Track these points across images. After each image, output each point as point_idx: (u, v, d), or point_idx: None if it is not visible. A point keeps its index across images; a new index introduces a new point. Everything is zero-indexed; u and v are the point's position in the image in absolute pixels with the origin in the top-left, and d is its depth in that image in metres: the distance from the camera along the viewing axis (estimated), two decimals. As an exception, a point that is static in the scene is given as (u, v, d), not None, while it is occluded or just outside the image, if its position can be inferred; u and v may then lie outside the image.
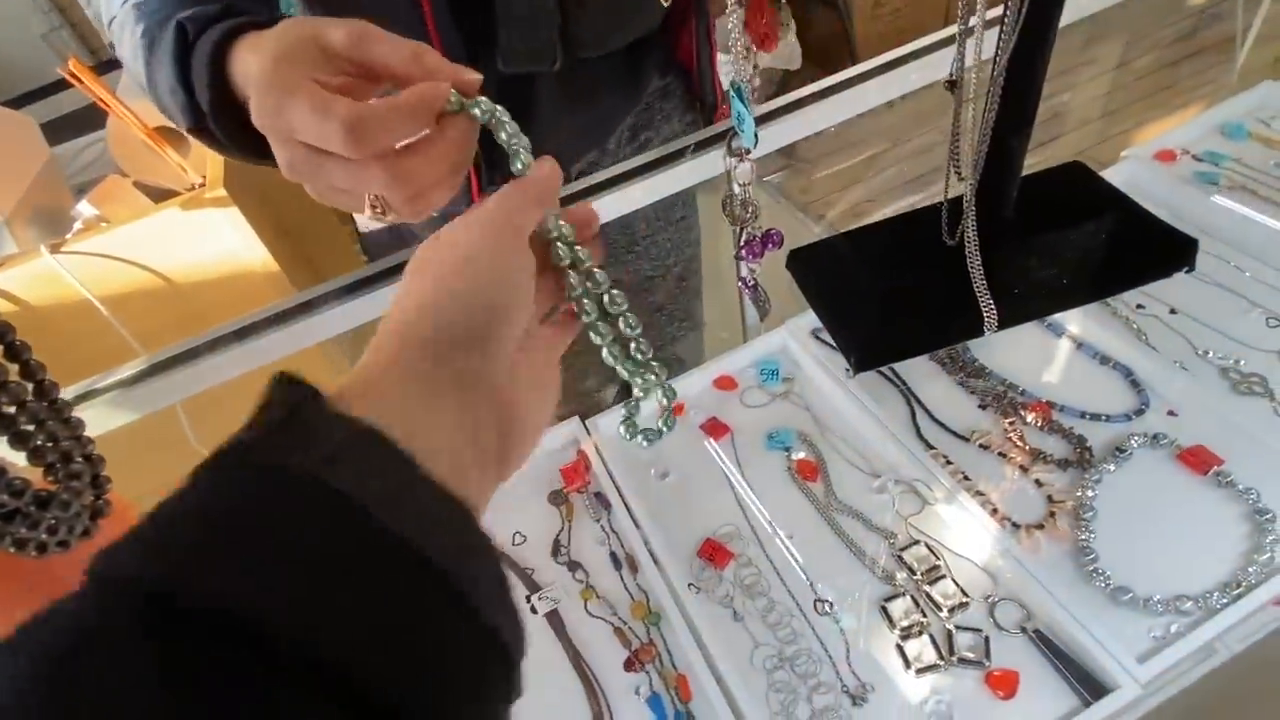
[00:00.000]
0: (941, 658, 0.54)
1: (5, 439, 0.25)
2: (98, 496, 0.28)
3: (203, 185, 0.83)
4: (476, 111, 0.34)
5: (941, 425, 0.68)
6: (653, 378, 0.35)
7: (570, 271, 0.35)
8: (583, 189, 0.64)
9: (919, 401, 0.71)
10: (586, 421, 0.75)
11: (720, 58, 0.82)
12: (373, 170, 0.33)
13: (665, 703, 0.56)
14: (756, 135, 0.38)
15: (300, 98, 0.32)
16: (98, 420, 0.61)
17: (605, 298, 0.34)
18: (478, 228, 0.31)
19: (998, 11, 0.34)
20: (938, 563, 0.59)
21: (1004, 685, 0.52)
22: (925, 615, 0.57)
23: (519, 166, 0.34)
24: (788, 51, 2.18)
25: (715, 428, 0.74)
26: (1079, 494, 0.61)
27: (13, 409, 0.24)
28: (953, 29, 0.40)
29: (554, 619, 0.63)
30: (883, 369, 0.74)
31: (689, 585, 0.62)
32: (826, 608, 0.59)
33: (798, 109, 0.68)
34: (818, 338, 0.78)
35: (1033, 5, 0.33)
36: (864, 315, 0.43)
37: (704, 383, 0.78)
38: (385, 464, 0.22)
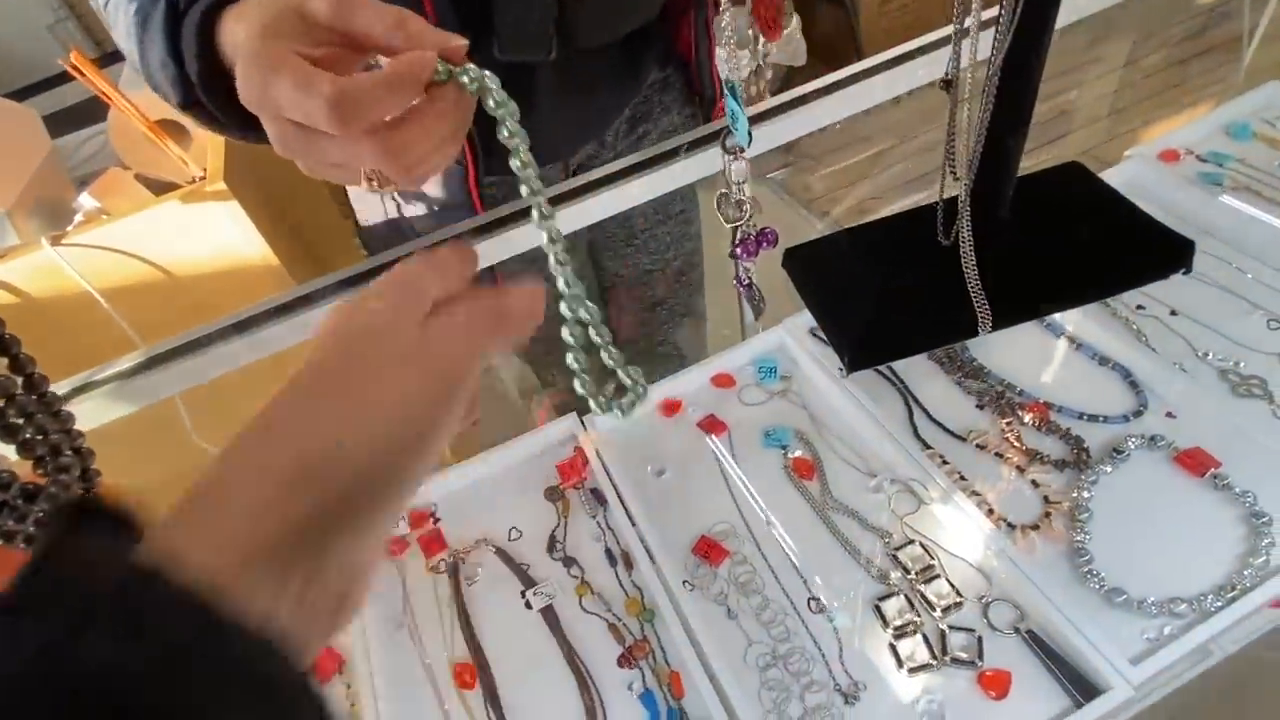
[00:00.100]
0: (934, 657, 0.54)
1: (-6, 432, 0.25)
2: (87, 490, 0.29)
3: (203, 178, 0.83)
4: (465, 79, 0.33)
5: (939, 425, 0.68)
6: (628, 381, 0.36)
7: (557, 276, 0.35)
8: (581, 185, 0.64)
9: (916, 401, 0.70)
10: (584, 418, 0.75)
11: (719, 53, 0.81)
12: (364, 145, 0.32)
13: (658, 699, 0.56)
14: (750, 133, 0.38)
15: (284, 74, 0.31)
16: (96, 412, 0.61)
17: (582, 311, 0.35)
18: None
19: (994, 12, 0.34)
20: (932, 562, 0.59)
21: (996, 685, 0.52)
22: (919, 615, 0.57)
23: (505, 134, 0.33)
24: (792, 48, 2.17)
25: (712, 425, 0.74)
26: (1075, 495, 0.60)
27: (1, 402, 0.24)
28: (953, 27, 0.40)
29: (548, 614, 0.63)
30: (880, 368, 0.74)
31: (684, 582, 0.62)
32: (820, 606, 0.59)
33: (801, 105, 0.68)
34: (816, 336, 0.78)
35: (1028, 5, 0.33)
36: (858, 314, 0.43)
37: (701, 380, 0.78)
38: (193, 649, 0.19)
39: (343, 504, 0.25)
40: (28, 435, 0.25)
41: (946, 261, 0.41)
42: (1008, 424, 0.66)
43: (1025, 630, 0.55)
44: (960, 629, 0.55)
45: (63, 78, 1.46)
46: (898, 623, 0.56)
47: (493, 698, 0.59)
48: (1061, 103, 2.44)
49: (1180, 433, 0.62)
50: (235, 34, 0.37)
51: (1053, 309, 0.43)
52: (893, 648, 0.55)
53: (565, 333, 0.36)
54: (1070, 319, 0.72)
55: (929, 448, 0.66)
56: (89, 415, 0.60)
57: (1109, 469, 0.62)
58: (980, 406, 0.69)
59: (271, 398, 0.26)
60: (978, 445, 0.66)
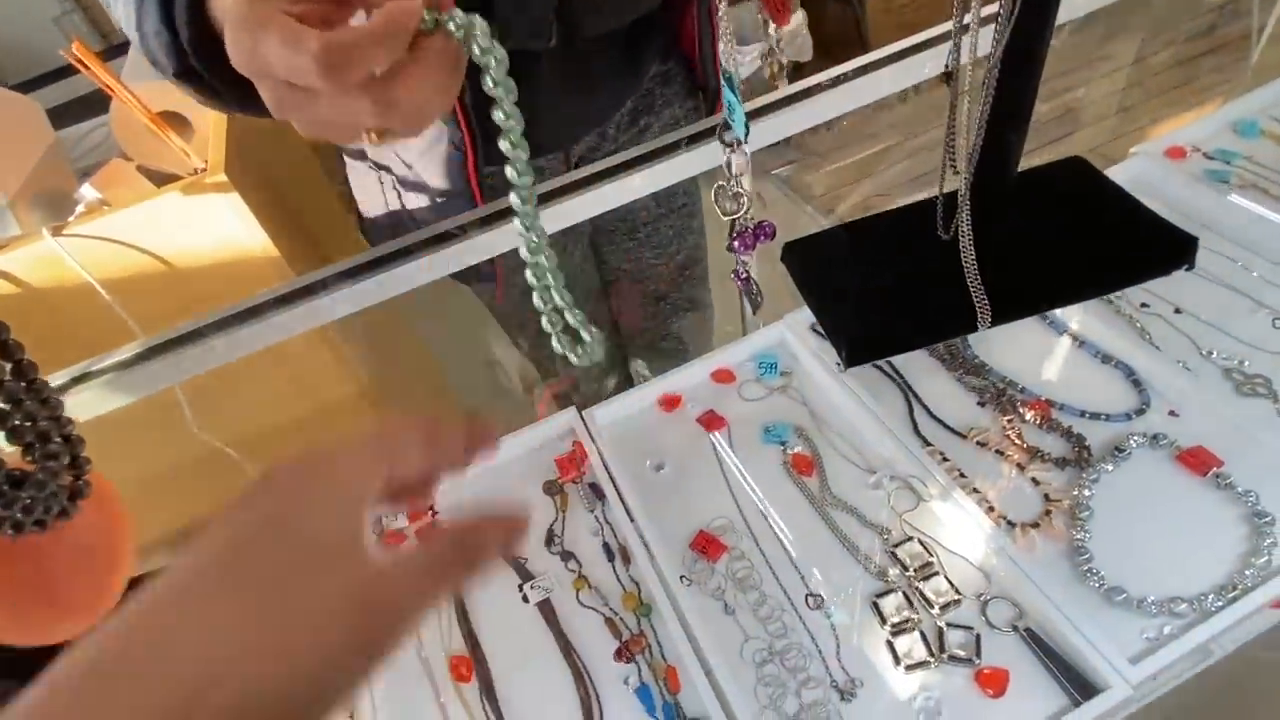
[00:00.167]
0: (931, 654, 0.54)
1: (-19, 417, 0.25)
2: (77, 477, 0.29)
3: (205, 170, 0.83)
4: (451, 26, 0.32)
5: (939, 422, 0.68)
6: (588, 339, 0.36)
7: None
8: (581, 178, 0.63)
9: (917, 397, 0.70)
10: (583, 413, 0.75)
11: (721, 46, 0.81)
12: (358, 100, 0.32)
13: (654, 693, 0.56)
14: (748, 126, 0.38)
15: (271, 33, 0.31)
16: (95, 403, 0.61)
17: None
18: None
19: (995, 8, 0.34)
20: (931, 559, 0.59)
21: (994, 683, 0.52)
22: (917, 612, 0.57)
23: (490, 84, 0.33)
24: (798, 44, 2.16)
25: (711, 420, 0.74)
26: (1076, 493, 0.60)
27: (-12, 388, 0.24)
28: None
29: (545, 608, 0.63)
30: (881, 364, 0.73)
31: (681, 577, 0.62)
32: (818, 602, 0.59)
33: (805, 98, 0.67)
34: (816, 332, 0.78)
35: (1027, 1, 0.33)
36: (856, 309, 0.43)
37: (701, 375, 0.78)
38: None
39: None
40: (16, 422, 0.25)
41: (946, 256, 0.40)
42: (1009, 421, 0.66)
43: (1024, 628, 0.54)
44: (958, 626, 0.55)
45: (68, 70, 1.46)
46: (895, 620, 0.56)
47: (489, 691, 0.59)
48: (1068, 100, 2.42)
49: (1183, 431, 0.62)
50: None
51: (1054, 304, 0.43)
52: (890, 645, 0.55)
53: (535, 291, 0.35)
54: (1073, 316, 0.72)
55: (929, 444, 0.66)
56: (88, 405, 0.60)
57: (1110, 467, 0.61)
58: (981, 404, 0.69)
59: (131, 602, 0.19)
60: (978, 442, 0.66)
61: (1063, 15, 0.40)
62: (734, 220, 0.44)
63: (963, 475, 0.63)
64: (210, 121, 0.95)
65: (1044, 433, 0.65)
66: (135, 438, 0.85)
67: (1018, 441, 0.65)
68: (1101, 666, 0.50)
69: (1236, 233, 0.75)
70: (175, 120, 0.97)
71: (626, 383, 1.07)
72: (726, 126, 0.39)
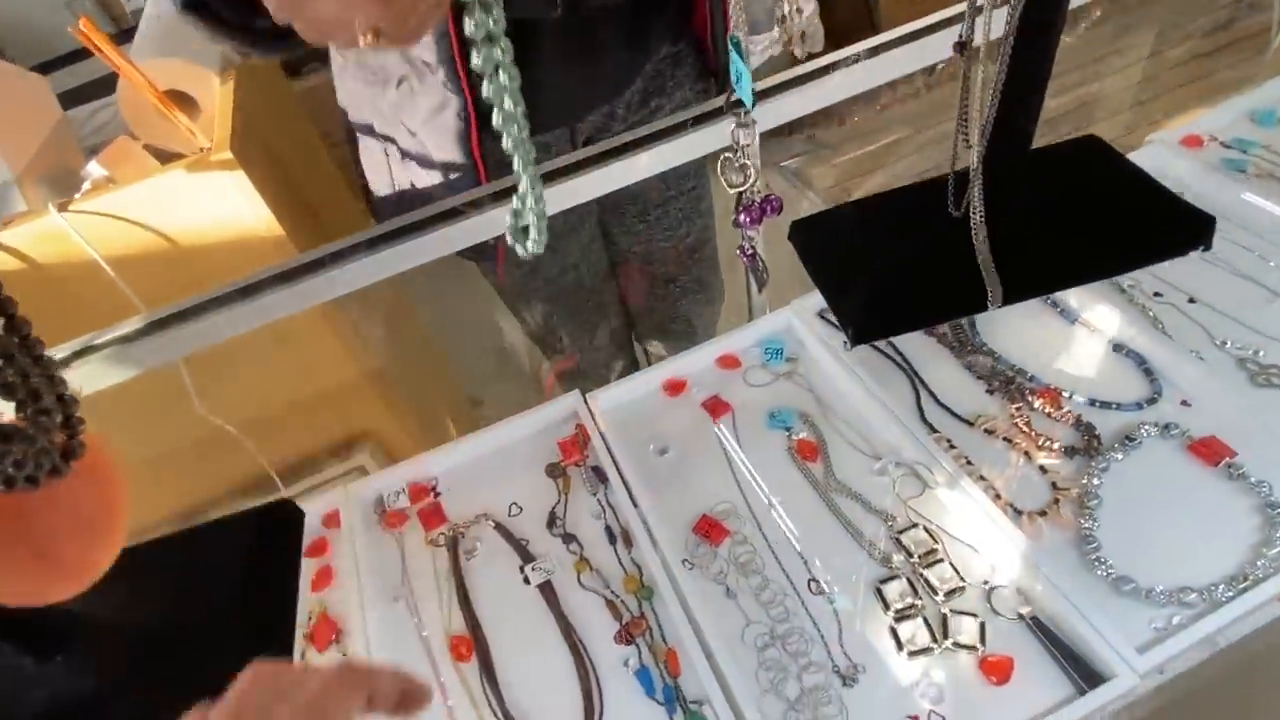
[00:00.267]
0: (935, 641, 0.53)
1: (-26, 373, 0.25)
2: (70, 437, 0.28)
3: (211, 149, 0.83)
4: None
5: (946, 409, 0.67)
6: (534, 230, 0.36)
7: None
8: (588, 156, 0.63)
9: (924, 384, 0.69)
10: (587, 396, 0.74)
11: (733, 8, 0.80)
12: None
13: (654, 676, 0.56)
14: (754, 93, 0.37)
15: None
16: (98, 376, 0.61)
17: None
18: None
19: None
20: (935, 546, 0.58)
21: (998, 671, 0.52)
22: (921, 598, 0.56)
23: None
24: (811, 32, 2.14)
25: (716, 406, 0.73)
26: (1084, 482, 0.59)
27: (-19, 343, 0.24)
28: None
29: (546, 590, 0.62)
30: (888, 351, 0.73)
31: (683, 561, 0.61)
32: (821, 587, 0.58)
33: (816, 78, 0.66)
34: (823, 318, 0.77)
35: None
36: (864, 286, 0.42)
37: (707, 361, 0.77)
38: None
39: None
40: (9, 378, 0.25)
41: (957, 234, 0.40)
42: (1017, 409, 0.65)
43: (1029, 616, 0.54)
44: (962, 613, 0.54)
45: (77, 55, 1.46)
46: (899, 606, 0.56)
47: (488, 670, 0.58)
48: (1082, 95, 2.39)
49: (1195, 421, 0.61)
50: None
51: (1067, 284, 0.42)
52: (893, 631, 0.55)
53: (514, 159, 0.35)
54: (1085, 305, 0.71)
55: (935, 432, 0.65)
56: (90, 378, 0.60)
57: (1120, 456, 0.60)
58: (990, 391, 0.68)
59: None
60: (986, 430, 0.65)
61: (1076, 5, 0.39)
62: (741, 193, 0.43)
63: (969, 463, 0.63)
64: (216, 101, 0.95)
65: (1053, 421, 0.64)
66: (140, 418, 0.85)
67: (1026, 430, 0.64)
68: (1108, 655, 0.49)
69: (1253, 221, 0.74)
70: (182, 100, 0.96)
71: (632, 367, 1.07)
72: (732, 93, 0.38)
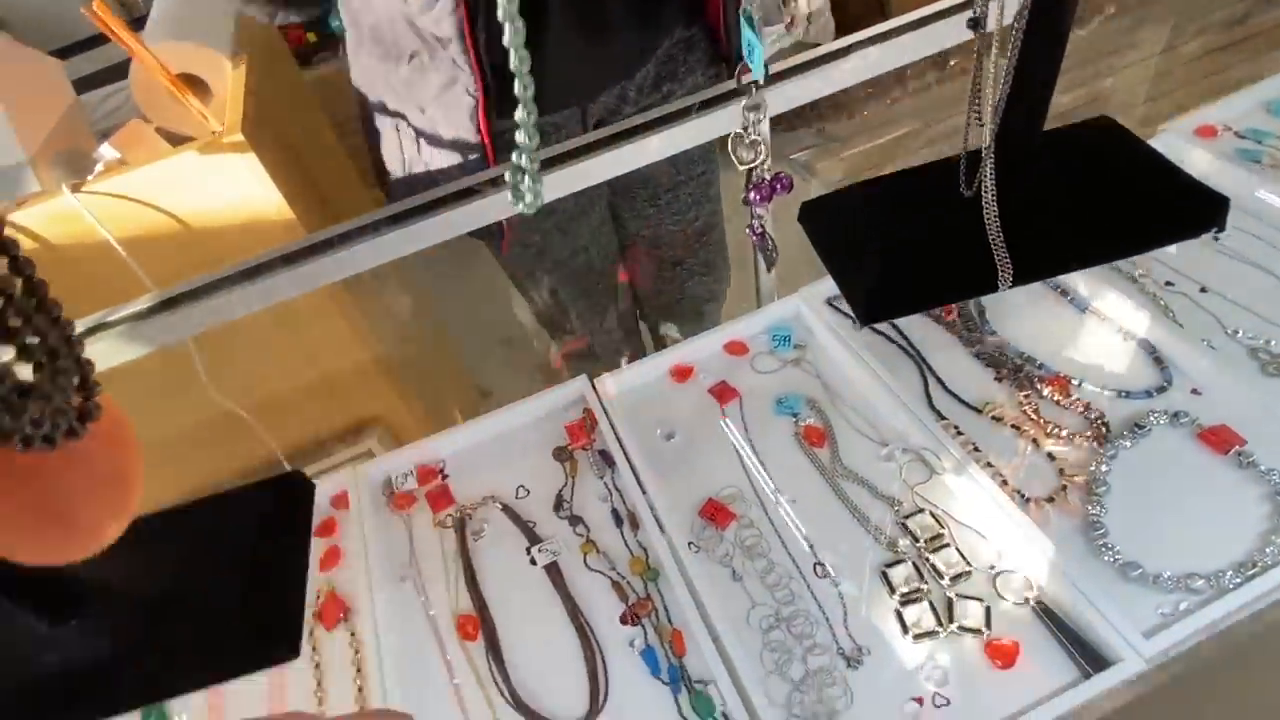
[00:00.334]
0: (940, 624, 0.53)
1: (-9, 333, 0.25)
2: (86, 398, 0.28)
3: (223, 132, 0.83)
4: None
5: (954, 396, 0.67)
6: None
7: None
8: (600, 138, 0.63)
9: (932, 372, 0.69)
10: (595, 381, 0.75)
11: None
12: None
13: (659, 656, 0.56)
14: (767, 67, 0.37)
15: None
16: (110, 353, 0.61)
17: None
18: None
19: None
20: (942, 531, 0.58)
21: (1003, 655, 0.52)
22: (926, 583, 0.56)
23: None
24: (822, 24, 2.13)
25: (724, 392, 0.73)
26: (1092, 469, 0.59)
27: (0, 301, 0.24)
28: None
29: (553, 571, 0.63)
30: (898, 339, 0.73)
31: (689, 544, 0.61)
32: (826, 571, 0.58)
33: (828, 62, 0.66)
34: (832, 305, 0.77)
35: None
36: (874, 265, 0.42)
37: (714, 347, 0.77)
38: None
39: None
40: (27, 340, 0.25)
41: (968, 214, 0.39)
42: (1026, 397, 0.65)
43: (1035, 601, 0.54)
44: (968, 597, 0.54)
45: (91, 42, 1.46)
46: (904, 590, 0.56)
47: (495, 649, 0.59)
48: (1095, 90, 2.37)
49: (1205, 410, 0.61)
50: None
51: (1077, 265, 0.42)
52: (898, 614, 0.55)
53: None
54: (1095, 293, 0.71)
55: (943, 419, 0.65)
56: (102, 356, 0.60)
57: (1129, 444, 0.60)
58: (999, 379, 0.68)
59: None
60: (994, 417, 0.65)
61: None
62: (751, 170, 0.43)
63: (977, 449, 0.63)
64: (229, 85, 0.95)
65: (1062, 409, 0.64)
66: (151, 400, 0.86)
67: (1034, 417, 0.64)
68: (1114, 640, 0.49)
69: (1267, 212, 0.73)
70: (194, 84, 0.97)
71: (640, 352, 1.08)
72: (744, 68, 0.38)
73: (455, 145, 0.70)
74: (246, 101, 0.87)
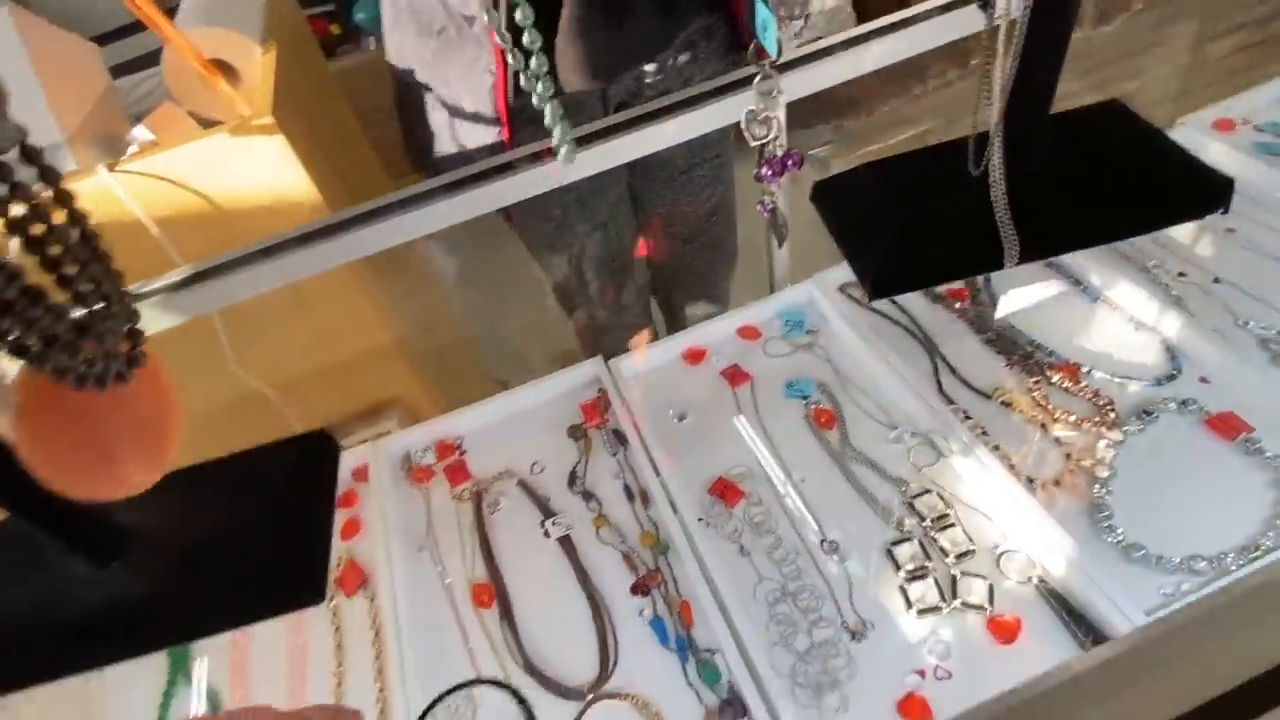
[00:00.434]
0: (944, 600, 0.54)
1: (53, 279, 0.27)
2: (134, 346, 0.30)
3: (253, 115, 0.86)
4: None
5: (964, 382, 0.68)
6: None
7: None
8: (620, 121, 0.64)
9: (943, 358, 0.70)
10: (609, 362, 0.76)
11: None
12: None
13: (668, 626, 0.57)
14: (780, 43, 0.38)
15: None
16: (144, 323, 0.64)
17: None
18: None
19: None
20: (948, 511, 0.59)
21: (1005, 631, 0.53)
22: (931, 560, 0.57)
23: None
24: (842, 19, 2.13)
25: (736, 375, 0.74)
26: (1099, 453, 0.60)
27: (59, 249, 0.26)
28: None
29: (566, 544, 0.64)
30: (909, 325, 0.74)
31: (698, 520, 0.63)
32: (833, 547, 0.59)
33: (843, 50, 0.66)
34: (845, 293, 0.78)
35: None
36: (883, 242, 0.43)
37: (727, 331, 0.79)
38: None
39: None
40: (82, 287, 0.27)
41: (976, 193, 0.40)
42: (1035, 383, 0.66)
43: (1038, 580, 0.54)
44: (972, 575, 0.55)
45: (123, 31, 1.49)
46: (910, 567, 0.57)
47: (508, 617, 0.61)
48: (1123, 89, 2.35)
49: (1213, 398, 0.61)
50: None
51: (1083, 244, 0.42)
52: (903, 590, 0.56)
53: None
54: (1107, 283, 0.71)
55: (952, 403, 0.66)
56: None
57: (1136, 429, 0.61)
58: (1009, 366, 0.68)
59: None
60: (1002, 403, 0.65)
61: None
62: (763, 146, 0.45)
63: (985, 433, 0.63)
64: (258, 71, 0.97)
65: (1071, 395, 0.65)
66: (180, 378, 0.88)
67: (1043, 403, 0.64)
68: (1115, 619, 0.50)
69: (1283, 205, 0.73)
70: (223, 70, 0.99)
71: (652, 326, 1.11)
72: (758, 44, 0.39)
73: (475, 118, 0.72)
74: (276, 86, 0.89)
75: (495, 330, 1.66)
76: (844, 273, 0.79)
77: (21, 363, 0.26)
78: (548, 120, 0.42)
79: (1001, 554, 0.56)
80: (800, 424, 0.69)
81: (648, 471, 0.66)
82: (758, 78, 0.42)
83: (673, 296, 1.11)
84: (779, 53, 0.39)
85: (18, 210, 0.26)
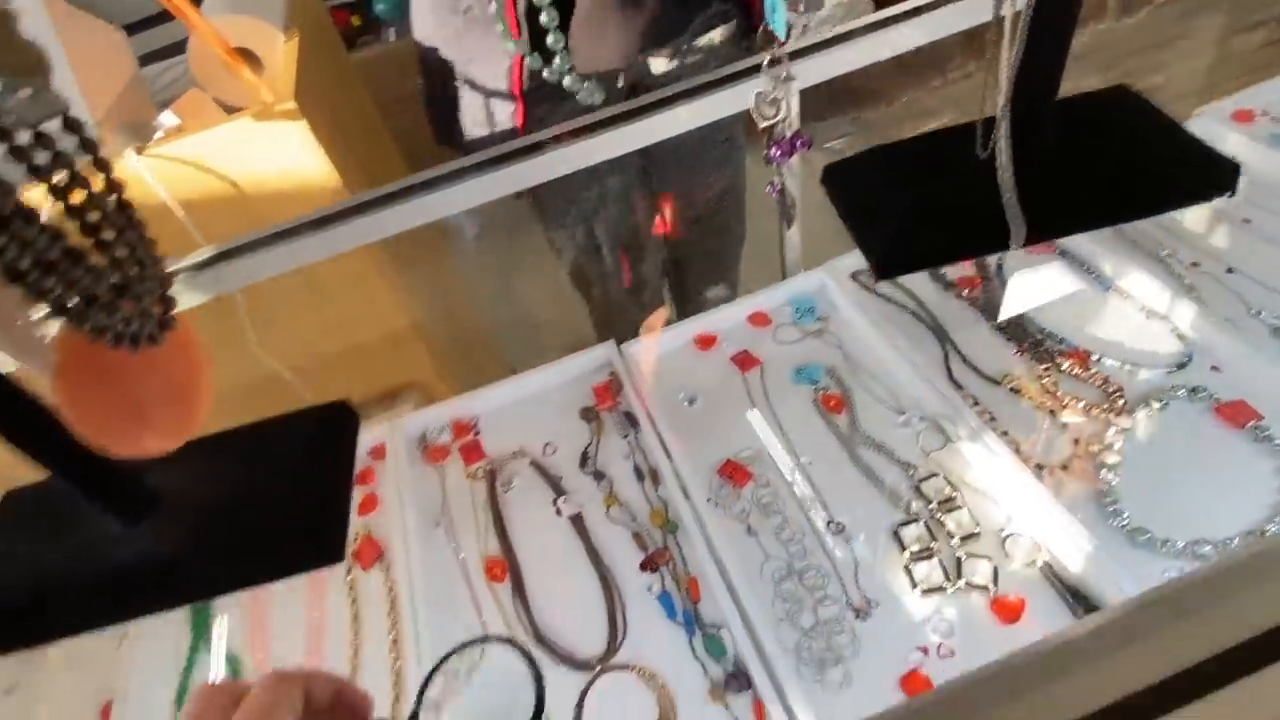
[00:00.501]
0: (949, 580, 0.55)
1: (91, 243, 0.28)
2: (165, 310, 0.32)
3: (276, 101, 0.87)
4: None
5: (974, 369, 0.68)
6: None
7: None
8: (632, 108, 0.65)
9: (953, 345, 0.70)
10: (621, 346, 0.77)
11: None
12: None
13: (675, 601, 0.59)
14: (789, 25, 0.39)
15: None
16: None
17: None
18: None
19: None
20: (954, 494, 0.60)
21: (1008, 611, 0.53)
22: (937, 541, 0.58)
23: None
24: (860, 10, 2.12)
25: (746, 360, 0.75)
26: (1107, 439, 0.60)
27: (98, 215, 0.27)
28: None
29: (577, 522, 0.66)
30: (920, 312, 0.74)
31: (707, 500, 0.64)
32: (839, 528, 0.60)
33: (858, 36, 0.67)
34: (857, 280, 0.78)
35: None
36: (890, 223, 0.44)
37: (738, 317, 0.79)
38: None
39: None
40: (118, 254, 0.29)
41: (984, 175, 0.41)
42: (1045, 370, 0.66)
43: (1042, 562, 0.55)
44: (977, 556, 0.56)
45: (151, 21, 1.52)
46: (915, 548, 0.57)
47: (520, 591, 0.62)
48: (1147, 82, 2.32)
49: (1224, 386, 0.61)
50: None
51: (1088, 226, 0.43)
52: (908, 570, 0.57)
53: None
54: (1120, 272, 0.71)
55: (961, 389, 0.66)
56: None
57: (1145, 416, 0.61)
58: (1019, 353, 0.69)
59: None
60: (1012, 389, 0.66)
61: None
62: (772, 127, 0.45)
63: (993, 419, 0.64)
64: (281, 59, 0.99)
65: (1080, 382, 0.65)
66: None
67: (1052, 389, 0.65)
68: (1119, 601, 0.50)
69: (1301, 196, 0.73)
70: (247, 58, 1.01)
71: (663, 304, 1.13)
72: (766, 26, 0.40)
73: (491, 94, 0.74)
74: (298, 73, 0.91)
75: (512, 316, 1.68)
76: (856, 260, 0.80)
77: (60, 323, 0.28)
78: (567, 82, 0.43)
79: (1007, 537, 0.57)
80: (809, 408, 0.70)
81: (658, 453, 0.67)
82: (767, 59, 0.42)
83: (684, 278, 1.12)
84: (787, 36, 0.40)
85: (59, 177, 0.27)
